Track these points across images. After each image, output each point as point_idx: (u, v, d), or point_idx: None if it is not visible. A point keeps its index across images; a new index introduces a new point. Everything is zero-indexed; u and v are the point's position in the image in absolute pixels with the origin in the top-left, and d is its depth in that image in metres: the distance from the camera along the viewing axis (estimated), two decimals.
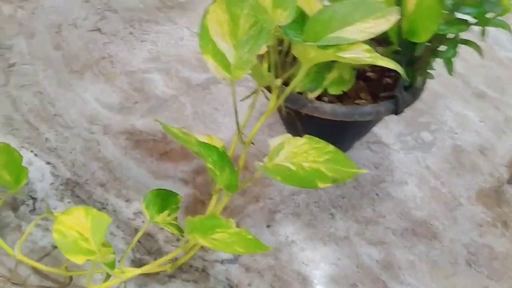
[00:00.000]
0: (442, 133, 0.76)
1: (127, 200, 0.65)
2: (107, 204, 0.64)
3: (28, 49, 0.84)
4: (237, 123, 0.54)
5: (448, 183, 0.69)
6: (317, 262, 0.60)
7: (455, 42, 0.56)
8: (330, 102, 0.58)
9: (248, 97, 0.59)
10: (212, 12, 0.53)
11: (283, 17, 0.51)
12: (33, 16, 0.90)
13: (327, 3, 0.54)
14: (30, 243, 0.59)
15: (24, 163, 0.57)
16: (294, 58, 0.60)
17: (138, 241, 0.59)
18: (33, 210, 0.63)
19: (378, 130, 0.74)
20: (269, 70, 0.56)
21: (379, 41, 0.58)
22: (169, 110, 0.76)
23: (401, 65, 0.48)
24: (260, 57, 0.56)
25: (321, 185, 0.49)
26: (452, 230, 0.64)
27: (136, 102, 0.77)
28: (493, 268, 0.60)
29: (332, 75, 0.57)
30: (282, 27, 0.53)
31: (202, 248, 0.59)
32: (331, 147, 0.51)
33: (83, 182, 0.66)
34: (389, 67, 0.47)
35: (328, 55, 0.49)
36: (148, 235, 0.61)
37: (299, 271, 0.59)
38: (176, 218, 0.57)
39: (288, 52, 0.62)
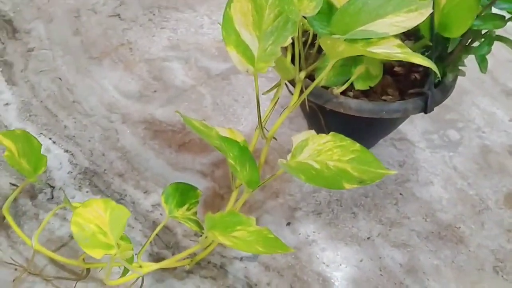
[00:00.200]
0: (469, 131, 0.73)
1: (145, 192, 0.64)
2: (125, 195, 0.63)
3: (47, 34, 0.83)
4: (259, 118, 0.53)
5: (475, 184, 0.67)
6: (338, 263, 0.58)
7: (490, 38, 0.54)
8: (355, 97, 0.56)
9: (270, 90, 0.57)
10: (236, 2, 0.51)
11: (310, 8, 0.49)
12: (52, 0, 0.89)
13: None
14: (47, 232, 0.59)
15: (42, 151, 0.57)
16: (319, 50, 0.58)
17: (156, 234, 0.59)
18: (51, 199, 0.63)
19: (403, 126, 0.72)
20: (292, 63, 0.54)
21: (407, 34, 0.55)
22: (188, 100, 0.75)
23: (431, 61, 0.46)
24: (284, 49, 0.55)
25: (347, 186, 0.47)
26: (479, 234, 0.62)
27: (155, 91, 0.76)
28: None
29: (360, 69, 0.55)
30: (308, 18, 0.51)
31: (221, 243, 0.58)
32: (357, 146, 0.50)
33: (102, 171, 0.66)
34: (423, 64, 0.45)
35: (357, 50, 0.47)
36: (166, 229, 0.60)
37: (319, 272, 0.57)
38: (195, 213, 0.56)
39: (312, 43, 0.60)
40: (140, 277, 0.53)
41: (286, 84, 0.57)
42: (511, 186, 0.67)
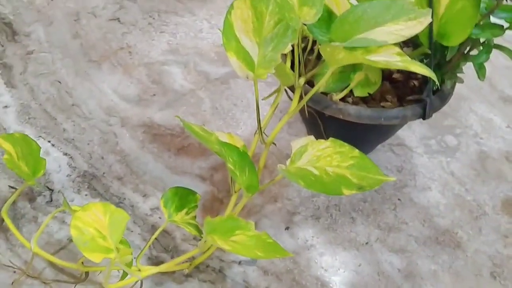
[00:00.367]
0: (467, 137, 0.74)
1: (144, 195, 0.64)
2: (124, 198, 0.64)
3: (46, 37, 0.83)
4: (259, 123, 0.53)
5: (473, 190, 0.67)
6: (336, 268, 0.58)
7: (489, 46, 0.54)
8: (354, 103, 0.56)
9: (270, 96, 0.57)
10: (236, 8, 0.51)
11: (310, 15, 0.49)
12: (52, 3, 0.89)
13: (355, 2, 0.52)
14: (46, 235, 0.59)
15: (41, 153, 0.57)
16: (318, 56, 0.59)
17: (155, 238, 0.59)
18: (49, 202, 0.63)
19: (401, 132, 0.72)
20: (292, 69, 0.55)
21: (406, 41, 0.56)
22: (187, 104, 0.75)
23: (429, 68, 0.46)
24: (283, 55, 0.55)
25: (346, 192, 0.47)
26: (476, 240, 0.62)
27: (154, 95, 0.76)
28: None
29: (359, 76, 0.55)
30: (308, 25, 0.51)
31: (220, 247, 0.58)
32: (356, 152, 0.50)
33: (100, 175, 0.66)
34: (422, 73, 0.45)
35: (356, 58, 0.47)
36: (165, 232, 0.60)
37: (317, 276, 0.58)
38: (194, 217, 0.56)
39: (311, 49, 0.60)
40: (139, 281, 0.53)
41: (285, 90, 0.57)
42: (508, 192, 0.67)
